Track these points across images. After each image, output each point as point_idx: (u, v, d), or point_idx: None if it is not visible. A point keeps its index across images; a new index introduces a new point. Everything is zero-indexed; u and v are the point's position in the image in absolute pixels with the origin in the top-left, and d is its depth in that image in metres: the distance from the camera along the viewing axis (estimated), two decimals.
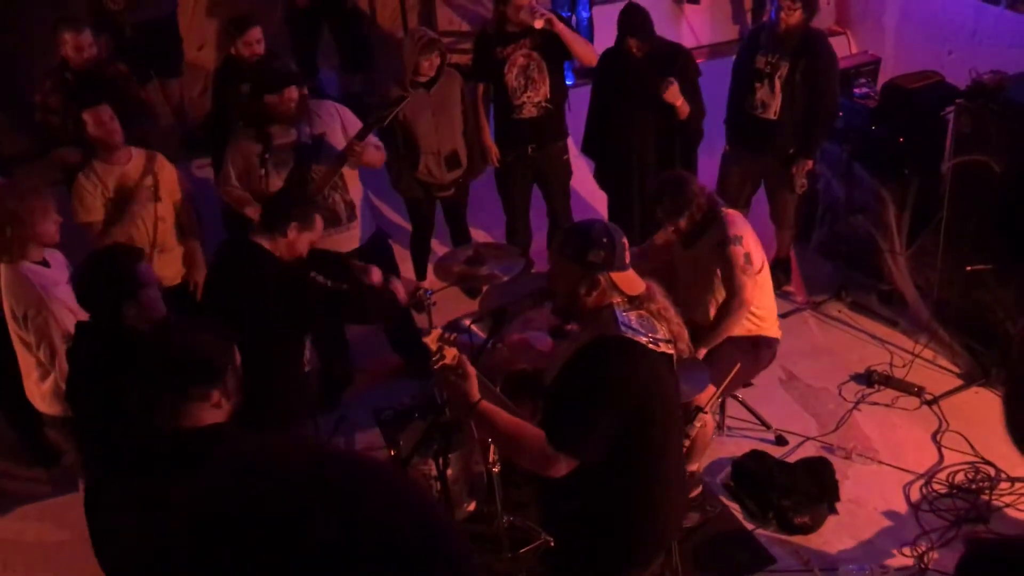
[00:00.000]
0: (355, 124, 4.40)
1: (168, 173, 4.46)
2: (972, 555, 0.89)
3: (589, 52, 5.18)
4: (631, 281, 2.60)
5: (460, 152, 5.13)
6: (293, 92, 4.23)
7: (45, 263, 3.71)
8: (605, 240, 2.56)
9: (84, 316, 3.59)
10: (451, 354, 2.42)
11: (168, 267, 4.42)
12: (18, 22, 5.80)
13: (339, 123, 4.41)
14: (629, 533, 2.70)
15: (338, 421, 4.57)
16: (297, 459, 0.79)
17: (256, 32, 5.10)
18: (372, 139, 4.38)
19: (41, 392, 3.77)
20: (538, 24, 4.90)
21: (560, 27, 4.97)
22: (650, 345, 2.52)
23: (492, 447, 3.65)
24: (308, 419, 3.94)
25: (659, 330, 2.58)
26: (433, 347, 2.40)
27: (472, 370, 2.46)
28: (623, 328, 2.51)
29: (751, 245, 3.90)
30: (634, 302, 2.59)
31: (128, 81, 5.15)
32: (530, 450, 2.46)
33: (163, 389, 2.34)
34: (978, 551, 0.90)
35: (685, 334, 2.67)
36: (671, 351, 2.61)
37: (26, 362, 3.75)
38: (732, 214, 3.96)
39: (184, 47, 6.28)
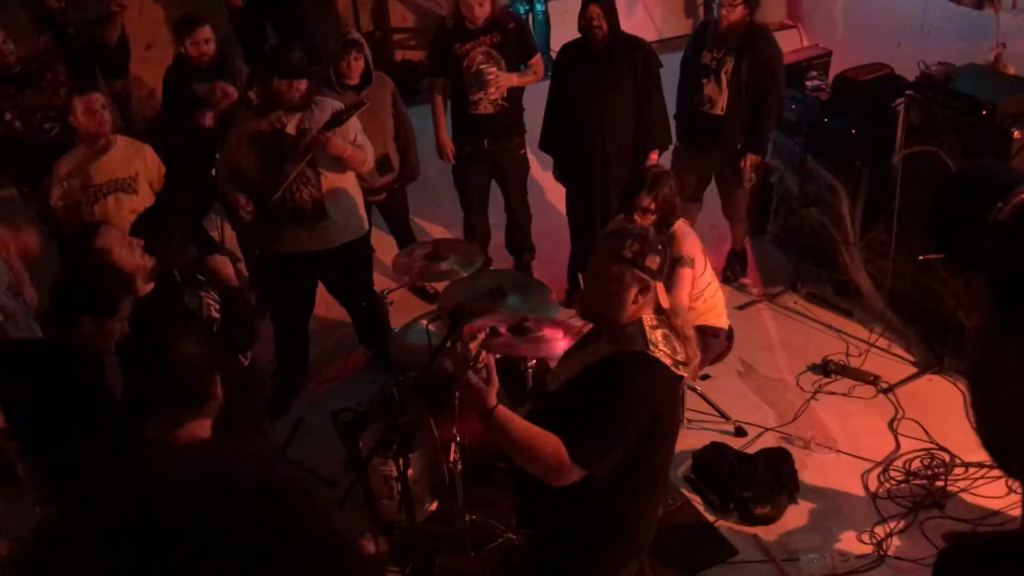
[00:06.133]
0: (346, 127, 4.33)
1: (151, 164, 4.45)
2: (952, 551, 0.88)
3: (537, 79, 5.26)
4: (663, 294, 2.59)
5: (391, 156, 5.06)
6: (303, 84, 4.22)
7: None
8: (660, 247, 2.54)
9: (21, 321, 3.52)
10: (484, 359, 2.38)
11: None
12: None
13: None
14: (621, 540, 2.70)
15: (295, 424, 4.49)
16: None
17: (205, 31, 5.03)
18: (352, 138, 4.32)
19: None
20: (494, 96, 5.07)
21: (517, 80, 5.08)
22: (672, 367, 2.51)
23: (452, 446, 3.63)
24: (263, 420, 3.86)
25: (679, 352, 2.56)
26: (473, 352, 2.36)
27: (495, 376, 2.41)
28: (650, 346, 2.49)
29: (699, 265, 3.98)
30: (661, 318, 2.57)
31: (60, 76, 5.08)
32: (545, 459, 2.40)
33: (162, 407, 2.33)
34: (957, 546, 0.89)
35: (697, 360, 2.63)
36: (684, 374, 2.59)
37: None
38: (682, 230, 4.01)
39: (131, 46, 6.16)
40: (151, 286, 3.29)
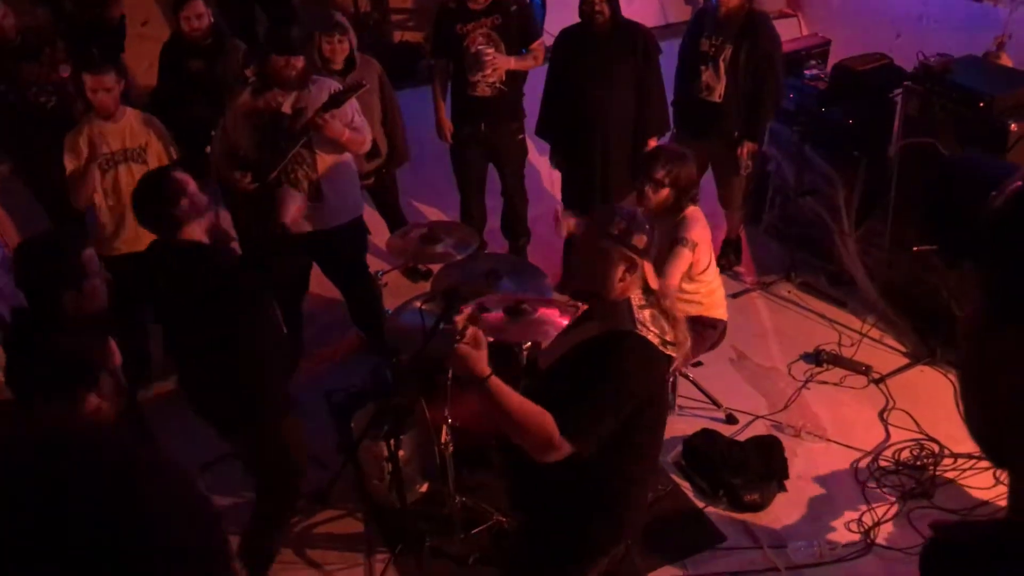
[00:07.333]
0: (344, 108, 4.30)
1: (160, 138, 4.45)
2: (938, 541, 0.88)
3: (536, 64, 5.23)
4: (651, 275, 2.61)
5: (379, 141, 5.01)
6: (300, 61, 4.21)
7: None
8: (648, 227, 2.58)
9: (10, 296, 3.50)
10: (472, 332, 2.39)
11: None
12: None
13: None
14: (611, 523, 2.71)
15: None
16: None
17: (197, 6, 5.00)
18: (350, 120, 4.30)
19: None
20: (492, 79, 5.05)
21: (515, 64, 5.06)
22: (660, 346, 2.52)
23: (444, 428, 3.63)
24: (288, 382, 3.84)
25: (667, 332, 2.57)
26: (460, 325, 2.36)
27: (484, 343, 2.41)
28: (638, 325, 2.50)
29: (701, 252, 3.96)
30: (649, 298, 2.59)
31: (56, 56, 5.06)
32: (536, 432, 2.40)
33: (50, 391, 2.32)
34: (943, 536, 0.89)
35: (687, 342, 2.64)
36: (673, 354, 2.59)
37: None
38: (694, 215, 4.00)
39: (127, 22, 6.13)
40: (205, 239, 3.28)
